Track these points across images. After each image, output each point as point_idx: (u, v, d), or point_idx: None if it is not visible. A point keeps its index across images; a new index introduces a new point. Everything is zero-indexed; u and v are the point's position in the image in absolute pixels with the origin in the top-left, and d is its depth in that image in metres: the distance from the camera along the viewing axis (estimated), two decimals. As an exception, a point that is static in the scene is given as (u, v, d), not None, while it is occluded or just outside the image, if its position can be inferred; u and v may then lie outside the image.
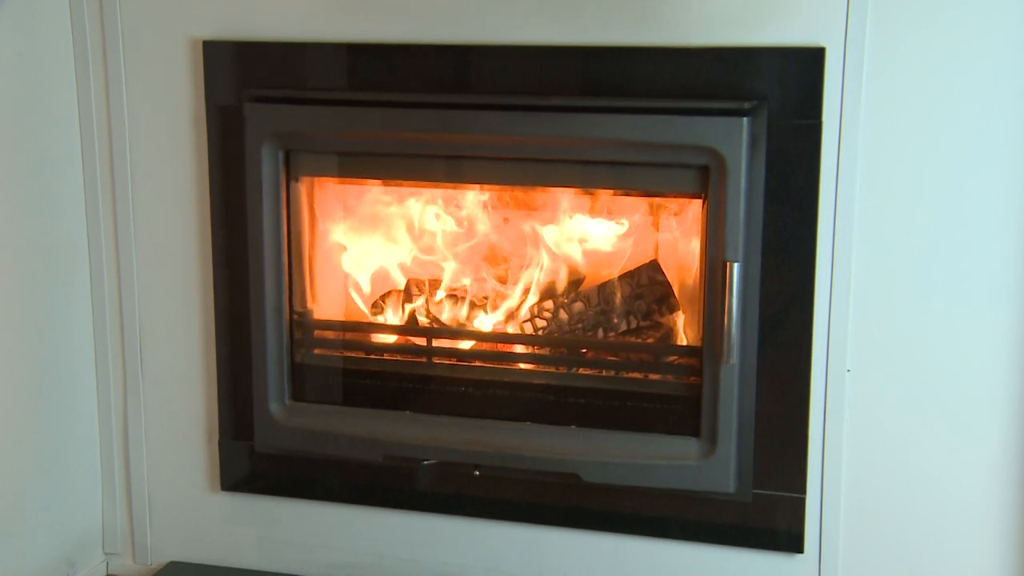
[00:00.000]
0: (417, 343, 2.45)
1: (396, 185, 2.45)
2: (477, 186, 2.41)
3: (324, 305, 2.48)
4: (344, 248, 2.50)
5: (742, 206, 2.13)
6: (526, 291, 2.45)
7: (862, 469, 2.21)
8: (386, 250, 2.51)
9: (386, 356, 2.45)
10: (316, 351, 2.45)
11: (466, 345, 2.45)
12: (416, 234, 2.49)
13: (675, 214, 2.37)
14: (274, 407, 2.41)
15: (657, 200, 2.36)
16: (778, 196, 2.14)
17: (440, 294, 2.49)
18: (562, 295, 2.45)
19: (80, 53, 2.43)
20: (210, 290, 2.45)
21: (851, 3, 2.07)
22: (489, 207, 2.44)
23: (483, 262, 2.48)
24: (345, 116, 2.28)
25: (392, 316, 2.50)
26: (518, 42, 2.21)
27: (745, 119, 2.10)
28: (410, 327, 2.48)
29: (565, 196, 2.40)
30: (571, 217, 2.41)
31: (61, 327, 2.48)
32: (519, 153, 2.24)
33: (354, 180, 2.44)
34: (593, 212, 2.40)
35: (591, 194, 2.38)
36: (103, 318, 2.53)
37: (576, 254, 2.44)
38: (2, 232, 2.34)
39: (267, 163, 2.33)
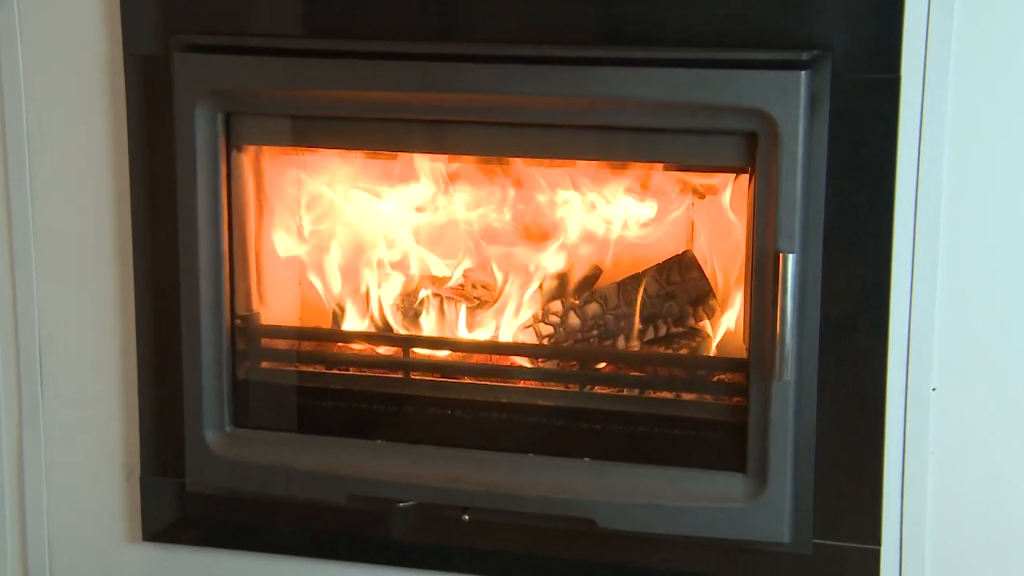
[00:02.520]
0: (391, 354, 2.45)
1: (365, 157, 2.45)
2: (467, 158, 2.41)
3: (274, 307, 2.48)
4: (300, 235, 2.49)
5: (799, 183, 2.12)
6: (528, 289, 2.45)
7: (951, 513, 2.20)
8: (353, 238, 2.51)
9: (352, 371, 2.45)
10: (264, 365, 2.45)
11: (453, 357, 2.44)
12: (390, 218, 2.49)
13: (715, 193, 2.36)
14: (210, 435, 2.41)
15: (693, 176, 2.36)
16: (845, 170, 2.13)
17: (421, 293, 2.49)
18: (573, 294, 2.44)
19: (-38, -9, 2.42)
20: (130, 288, 2.44)
21: (938, -75, 2.07)
22: (483, 185, 2.44)
23: (475, 253, 2.48)
24: (300, 70, 2.27)
25: (360, 321, 2.50)
26: (519, -22, 2.21)
27: (803, 73, 2.08)
28: (383, 334, 2.48)
29: (577, 171, 2.39)
30: (585, 197, 2.41)
31: (-60, 335, 2.44)
32: (519, 117, 2.23)
33: (312, 150, 2.44)
34: (613, 190, 2.40)
35: (610, 168, 2.37)
36: (-8, 324, 2.50)
37: (591, 243, 2.44)
38: None
39: (202, 128, 2.32)
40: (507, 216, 2.45)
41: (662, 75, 2.13)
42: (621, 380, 2.36)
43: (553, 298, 2.44)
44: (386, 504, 2.34)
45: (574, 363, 2.39)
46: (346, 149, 2.41)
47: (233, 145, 2.35)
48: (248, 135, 2.35)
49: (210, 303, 2.36)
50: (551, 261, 2.44)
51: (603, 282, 2.44)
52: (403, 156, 2.42)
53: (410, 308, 2.48)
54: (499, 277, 2.47)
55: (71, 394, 2.51)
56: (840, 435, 2.19)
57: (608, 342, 2.40)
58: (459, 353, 2.44)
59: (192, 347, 2.37)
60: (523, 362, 2.41)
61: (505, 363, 2.42)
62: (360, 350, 2.47)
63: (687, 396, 2.31)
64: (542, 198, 2.42)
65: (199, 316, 2.36)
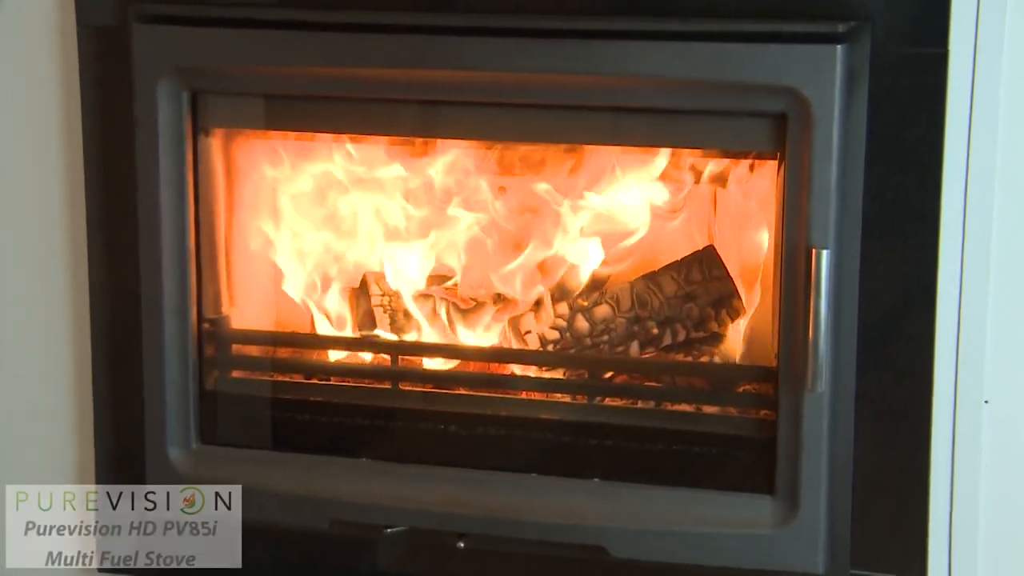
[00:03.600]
0: (378, 363, 2.46)
1: (348, 141, 2.44)
2: (462, 142, 2.41)
3: (246, 310, 2.49)
4: (275, 229, 2.50)
5: (834, 170, 2.11)
6: (531, 290, 2.46)
7: (1006, 541, 2.20)
8: (335, 232, 2.52)
9: (334, 381, 2.45)
10: (234, 374, 2.46)
11: (446, 366, 2.45)
12: (377, 210, 2.50)
13: (741, 181, 2.37)
14: (175, 453, 2.40)
15: (716, 162, 2.36)
16: (886, 156, 2.11)
17: (411, 294, 2.50)
18: (581, 295, 2.45)
19: None
20: (84, 289, 2.44)
21: None
22: (480, 172, 2.44)
23: (472, 249, 2.49)
24: (275, 44, 2.27)
25: (342, 325, 2.51)
26: (521, -59, 2.18)
27: (839, 47, 2.08)
28: (369, 340, 2.49)
29: (587, 156, 2.40)
30: (594, 186, 2.41)
31: None
32: (522, 97, 2.23)
33: (289, 134, 2.44)
34: (626, 179, 2.40)
35: (623, 153, 2.38)
36: (-70, 328, 2.47)
37: (602, 238, 2.44)
38: None
39: (166, 109, 2.32)
40: (507, 209, 2.46)
41: (681, 50, 2.12)
42: (635, 391, 2.36)
43: (559, 300, 2.44)
44: (372, 530, 2.34)
45: (582, 372, 2.39)
46: (327, 133, 2.42)
47: (200, 128, 2.34)
48: (217, 117, 2.35)
49: (174, 305, 2.36)
50: (556, 258, 2.45)
51: (614, 282, 2.45)
52: (391, 141, 2.42)
53: (399, 311, 2.49)
54: (498, 277, 2.48)
55: (18, 406, 2.52)
56: (880, 453, 2.18)
57: (620, 349, 2.41)
58: (454, 361, 2.44)
59: (154, 354, 2.36)
60: (525, 371, 2.41)
61: (505, 372, 2.42)
62: (343, 358, 2.48)
63: (709, 409, 2.31)
64: (546, 188, 2.42)
65: (162, 319, 2.35)
